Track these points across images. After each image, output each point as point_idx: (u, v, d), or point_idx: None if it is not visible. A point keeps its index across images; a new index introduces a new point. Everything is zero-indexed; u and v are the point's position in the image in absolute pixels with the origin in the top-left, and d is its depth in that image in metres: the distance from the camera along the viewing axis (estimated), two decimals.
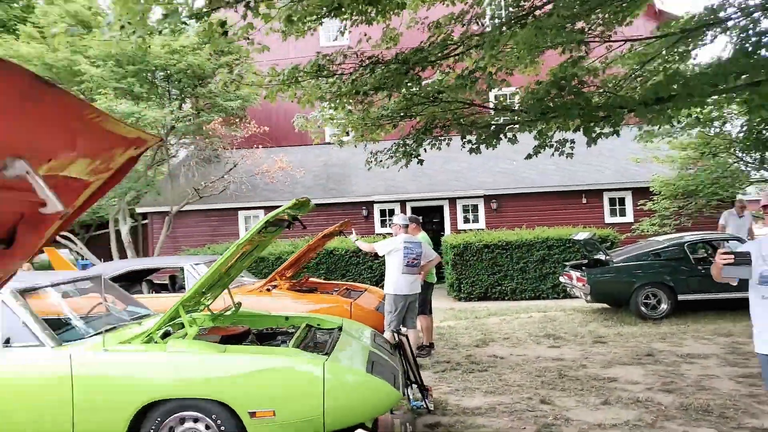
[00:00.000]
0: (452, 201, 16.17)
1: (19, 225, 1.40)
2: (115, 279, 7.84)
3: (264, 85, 6.08)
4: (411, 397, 5.15)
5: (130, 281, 8.18)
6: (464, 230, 14.98)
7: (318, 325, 5.15)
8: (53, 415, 3.51)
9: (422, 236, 7.61)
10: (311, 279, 9.00)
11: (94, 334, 3.83)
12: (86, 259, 15.43)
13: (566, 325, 8.97)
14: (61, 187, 1.26)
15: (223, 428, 3.58)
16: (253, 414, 3.54)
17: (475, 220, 16.19)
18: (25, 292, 3.90)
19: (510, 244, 12.29)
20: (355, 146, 8.34)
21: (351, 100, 6.47)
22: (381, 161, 7.81)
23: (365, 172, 16.44)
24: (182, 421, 3.64)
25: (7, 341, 3.68)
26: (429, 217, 17.33)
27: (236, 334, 4.39)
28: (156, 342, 3.77)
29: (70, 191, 1.49)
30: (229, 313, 5.10)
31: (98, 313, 4.53)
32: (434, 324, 9.43)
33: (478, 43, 6.52)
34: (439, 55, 6.66)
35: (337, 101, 6.38)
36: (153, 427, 3.59)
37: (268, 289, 7.45)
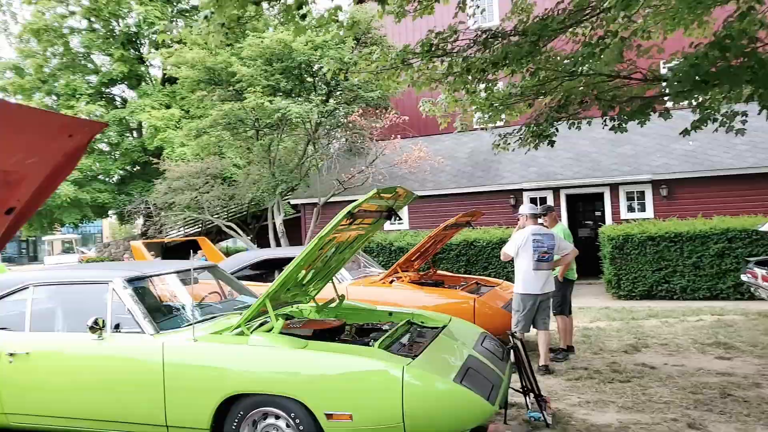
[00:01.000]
0: (614, 187, 14.66)
1: None
2: (252, 267, 8.25)
3: (374, 71, 5.85)
4: (529, 406, 4.60)
5: (268, 269, 8.52)
6: (628, 220, 13.49)
7: (422, 322, 4.81)
8: (149, 399, 3.64)
9: (559, 228, 6.87)
10: (439, 272, 8.66)
11: (189, 325, 3.91)
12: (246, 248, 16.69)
13: (744, 333, 7.56)
14: None
15: (301, 428, 3.42)
16: (329, 416, 3.34)
17: (642, 209, 14.50)
18: (134, 281, 4.12)
19: (680, 236, 10.77)
20: (485, 129, 7.81)
21: (469, 80, 5.97)
22: (509, 144, 7.19)
23: (516, 159, 15.64)
24: (265, 416, 3.56)
25: (117, 326, 3.90)
26: (587, 207, 15.97)
27: (330, 328, 4.22)
28: (244, 334, 3.73)
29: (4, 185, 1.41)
30: (333, 305, 4.98)
31: (207, 303, 4.66)
32: (580, 325, 8.56)
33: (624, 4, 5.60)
34: (573, 22, 5.88)
35: (453, 82, 5.93)
36: (236, 420, 3.56)
37: (391, 281, 7.26)
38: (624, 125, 6.36)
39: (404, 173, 15.85)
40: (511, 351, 4.62)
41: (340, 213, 3.63)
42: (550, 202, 14.95)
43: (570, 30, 5.67)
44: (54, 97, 23.76)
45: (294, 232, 17.83)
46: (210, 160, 17.57)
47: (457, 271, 12.45)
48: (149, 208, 18.81)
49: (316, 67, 13.40)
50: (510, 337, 4.67)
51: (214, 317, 4.26)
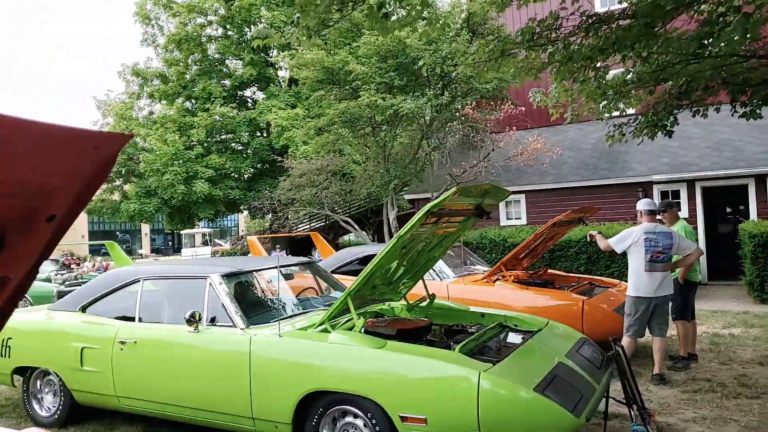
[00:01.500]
0: (760, 179, 13.07)
1: (7, 230, 1.44)
2: (359, 262, 8.39)
3: (472, 63, 5.65)
4: (633, 419, 4.24)
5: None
6: None
7: (515, 325, 4.60)
8: (238, 390, 3.83)
9: (680, 225, 6.24)
10: (550, 271, 8.24)
11: (276, 320, 4.05)
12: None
13: None
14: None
15: (378, 428, 3.41)
16: (404, 418, 3.29)
17: None
18: (231, 276, 4.35)
19: None
20: (601, 119, 7.29)
21: (575, 68, 5.58)
22: (624, 135, 6.64)
23: (645, 149, 14.46)
24: (344, 414, 3.60)
25: (213, 320, 4.15)
26: (728, 202, 14.40)
27: (415, 328, 4.17)
28: (327, 332, 3.80)
29: (42, 195, 1.52)
30: (423, 304, 4.92)
31: (302, 298, 4.81)
32: (710, 331, 7.74)
33: None
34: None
35: (558, 71, 5.57)
36: (317, 417, 3.63)
37: (495, 280, 7.04)
38: (758, 111, 5.61)
39: (521, 166, 15.31)
40: (613, 359, 4.28)
41: (420, 211, 3.56)
42: (683, 195, 13.68)
43: (689, 8, 5.08)
44: (193, 101, 25.93)
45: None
46: (330, 158, 18.20)
47: (576, 270, 11.80)
48: (274, 204, 19.90)
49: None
50: (612, 343, 4.32)
51: (306, 313, 4.38)
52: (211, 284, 4.26)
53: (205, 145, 25.00)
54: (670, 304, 6.02)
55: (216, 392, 3.94)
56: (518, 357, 3.64)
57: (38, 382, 4.91)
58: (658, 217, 6.23)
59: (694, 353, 6.24)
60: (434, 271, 7.43)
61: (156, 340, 4.24)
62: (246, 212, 29.54)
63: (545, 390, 3.22)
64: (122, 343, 4.34)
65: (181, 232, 25.61)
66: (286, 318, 4.23)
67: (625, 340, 5.75)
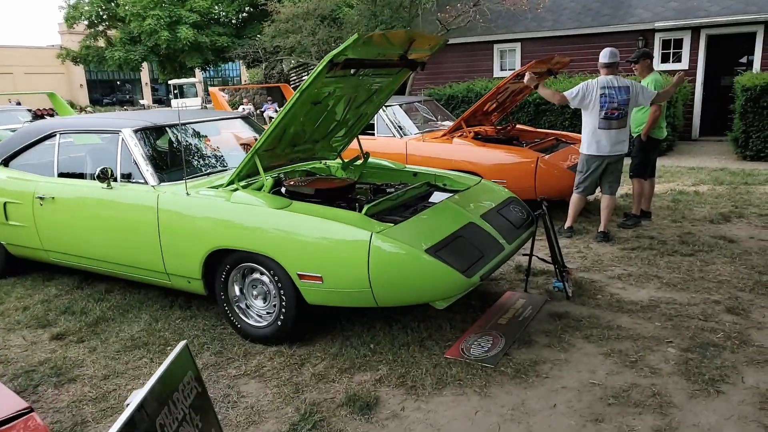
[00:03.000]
0: None
1: None
2: None
3: None
4: (556, 276, 4.28)
5: None
6: None
7: (443, 184, 4.48)
8: (149, 247, 3.83)
9: (651, 78, 5.83)
10: (519, 126, 7.95)
11: (189, 178, 3.94)
12: None
13: None
14: None
15: (280, 284, 3.44)
16: (302, 276, 3.30)
17: None
18: (145, 131, 4.16)
19: None
20: None
21: None
22: None
23: None
24: (252, 270, 3.62)
25: (129, 176, 4.04)
26: (732, 53, 13.50)
27: (335, 187, 4.06)
28: (236, 190, 3.69)
29: None
30: (358, 163, 4.77)
31: (230, 155, 4.65)
32: (677, 188, 7.64)
33: None
34: None
35: None
36: (225, 272, 3.66)
37: (455, 137, 6.81)
38: None
39: (516, 10, 14.24)
40: (538, 218, 4.21)
41: (321, 62, 3.26)
42: (686, 45, 12.84)
43: None
44: None
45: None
46: (318, 1, 16.95)
47: (560, 125, 11.46)
48: (257, 52, 19.01)
49: None
50: (541, 202, 4.22)
51: (227, 171, 4.25)
52: (123, 139, 4.09)
53: None
54: (628, 161, 5.85)
55: (131, 249, 3.95)
56: (424, 218, 3.55)
57: None
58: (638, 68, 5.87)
59: (648, 211, 6.18)
60: (395, 126, 7.20)
61: (72, 196, 4.17)
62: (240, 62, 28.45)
63: (439, 251, 3.17)
64: (41, 198, 4.29)
65: (169, 81, 24.89)
66: (202, 176, 4.11)
67: (574, 197, 5.69)
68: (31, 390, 3.14)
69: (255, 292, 3.67)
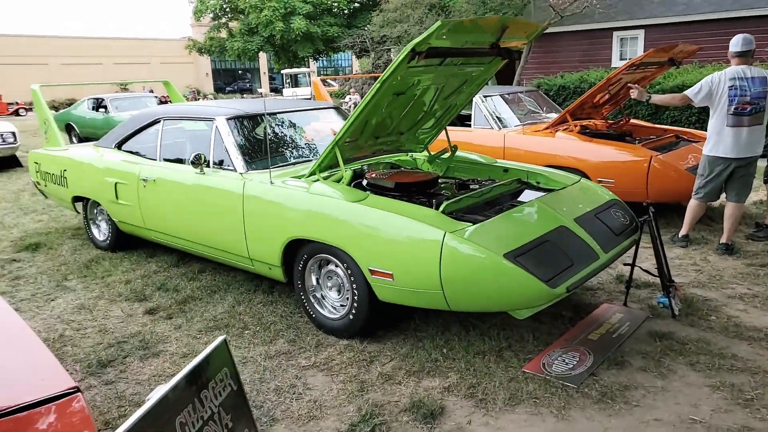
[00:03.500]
0: None
1: None
2: None
3: None
4: (662, 292, 3.87)
5: None
6: None
7: (538, 182, 4.19)
8: (234, 231, 3.91)
9: None
10: (634, 121, 7.33)
11: (277, 167, 3.98)
12: None
13: None
14: None
15: (353, 278, 3.38)
16: (373, 272, 3.21)
17: None
18: (237, 119, 4.26)
19: None
20: None
21: None
22: None
23: None
24: (328, 261, 3.59)
25: (221, 163, 4.17)
26: None
27: (417, 181, 3.92)
28: (317, 181, 3.68)
29: None
30: (445, 156, 4.60)
31: (321, 144, 4.65)
32: None
33: None
34: None
35: None
36: (302, 262, 3.66)
37: (557, 131, 6.40)
38: None
39: None
40: (643, 225, 3.82)
41: (402, 52, 3.13)
42: None
43: None
44: None
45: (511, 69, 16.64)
46: None
47: (686, 121, 10.48)
48: (365, 42, 19.18)
49: None
50: (647, 207, 3.81)
51: (314, 161, 4.25)
52: (217, 127, 4.21)
53: None
54: (763, 163, 5.18)
55: (219, 232, 4.07)
56: (508, 218, 3.32)
57: (95, 210, 5.39)
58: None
59: None
60: (493, 118, 6.91)
61: (171, 179, 4.37)
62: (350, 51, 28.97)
63: (520, 256, 2.94)
64: (145, 180, 4.54)
65: (282, 71, 25.86)
66: (289, 165, 4.13)
67: (692, 203, 5.13)
68: (120, 360, 3.33)
69: (330, 284, 3.64)
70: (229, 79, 57.20)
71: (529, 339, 3.45)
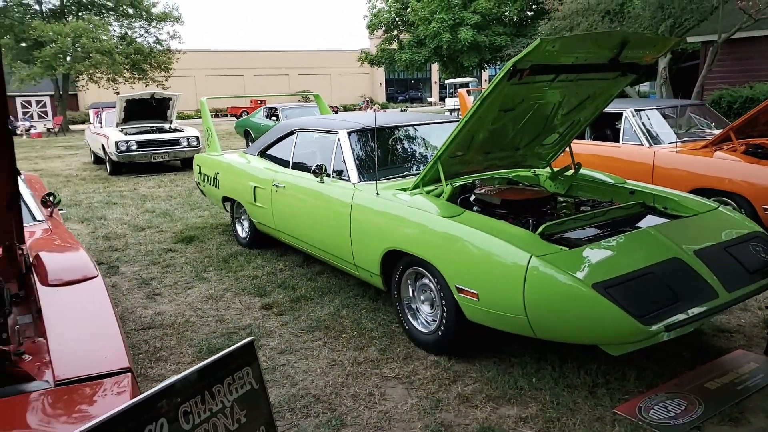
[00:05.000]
0: None
1: None
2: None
3: None
4: None
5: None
6: None
7: (665, 207, 3.80)
8: (343, 237, 4.09)
9: None
10: None
11: (387, 178, 4.11)
12: None
13: None
14: None
15: (442, 294, 3.36)
16: (460, 290, 3.17)
17: None
18: (357, 132, 4.47)
19: None
20: None
21: None
22: None
23: None
24: (422, 275, 3.61)
25: (340, 173, 4.41)
26: None
27: (526, 199, 3.78)
28: (419, 194, 3.73)
29: None
30: (568, 173, 4.36)
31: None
32: None
33: None
34: None
35: None
36: (399, 273, 3.73)
37: (718, 149, 5.70)
38: None
39: None
40: None
41: (502, 69, 3.07)
42: None
43: None
44: None
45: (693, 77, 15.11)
46: None
47: None
48: None
49: None
50: None
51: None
52: (339, 139, 4.46)
53: None
54: None
55: (332, 238, 4.29)
56: (611, 244, 3.07)
57: (240, 210, 5.99)
58: None
59: None
60: (643, 133, 6.36)
61: (297, 186, 4.72)
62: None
63: (611, 287, 2.70)
64: (276, 186, 4.95)
65: (445, 81, 26.10)
66: (400, 177, 4.22)
67: None
68: (225, 349, 3.68)
69: (423, 297, 3.66)
70: (402, 89, 59.33)
71: (632, 378, 3.14)
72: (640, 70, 3.64)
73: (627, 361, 3.28)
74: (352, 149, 4.37)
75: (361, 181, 4.16)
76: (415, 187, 3.79)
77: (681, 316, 2.73)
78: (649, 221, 3.58)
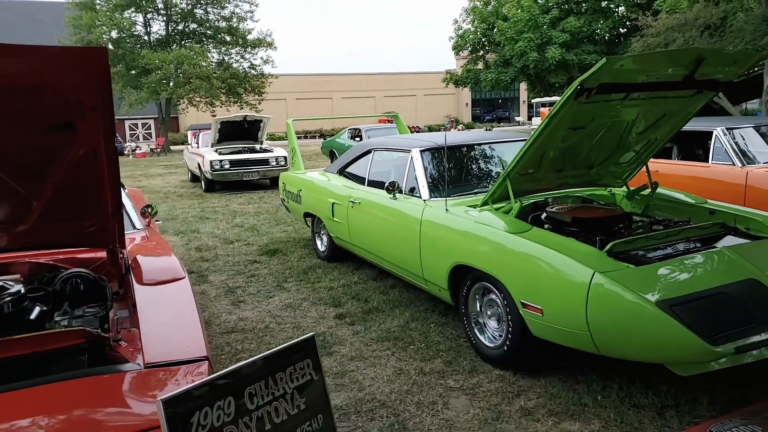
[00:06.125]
0: None
1: (71, 118, 2.26)
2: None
3: None
4: None
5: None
6: None
7: (747, 228, 3.66)
8: (413, 252, 4.23)
9: None
10: None
11: (456, 195, 4.22)
12: None
13: None
14: None
15: (508, 309, 3.42)
16: (525, 305, 3.22)
17: None
18: (430, 151, 4.62)
19: None
20: None
21: None
22: None
23: None
24: (489, 291, 3.68)
25: (413, 190, 4.57)
26: None
27: (598, 217, 3.76)
28: (491, 210, 3.81)
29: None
30: (645, 192, 4.28)
31: None
32: None
33: None
34: None
35: None
36: (466, 288, 3.81)
37: None
38: None
39: None
40: None
41: (569, 88, 3.11)
42: None
43: None
44: None
45: None
46: (702, 7, 15.07)
47: None
48: None
49: None
50: None
51: None
52: (412, 157, 4.63)
53: (564, 7, 23.81)
54: None
55: (403, 252, 4.44)
56: (682, 263, 3.00)
57: (320, 225, 6.27)
58: None
59: None
60: (735, 152, 6.07)
61: (372, 202, 4.93)
62: None
63: (677, 305, 2.65)
64: (352, 202, 5.19)
65: (532, 100, 25.73)
66: (470, 194, 4.31)
67: None
68: None
69: (489, 312, 3.72)
70: (489, 108, 59.04)
71: (704, 402, 3.04)
72: (719, 87, 3.56)
73: (700, 384, 3.18)
74: (424, 167, 4.53)
75: (432, 197, 4.30)
76: (484, 203, 3.88)
77: (754, 338, 2.64)
78: (728, 242, 3.46)
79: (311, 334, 1.93)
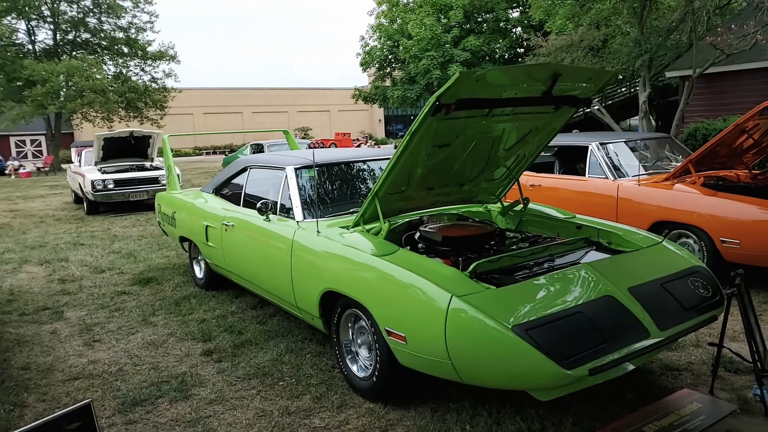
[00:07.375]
0: None
1: None
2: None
3: None
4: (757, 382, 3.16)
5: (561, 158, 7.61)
6: None
7: (609, 242, 3.70)
8: (284, 277, 3.96)
9: None
10: None
11: (330, 216, 4.01)
12: None
13: None
14: None
15: (375, 337, 3.21)
16: (389, 332, 3.04)
17: None
18: (305, 169, 4.39)
19: None
20: None
21: None
22: None
23: None
24: (359, 318, 3.48)
25: (288, 210, 4.29)
26: None
27: (469, 235, 3.68)
28: (362, 232, 3.62)
29: None
30: (517, 208, 4.27)
31: None
32: None
33: None
34: None
35: None
36: (337, 315, 3.59)
37: (678, 182, 5.63)
38: None
39: None
40: (730, 298, 3.15)
41: (426, 104, 2.99)
42: None
43: None
44: None
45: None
46: (584, 30, 16.01)
47: None
48: None
49: None
50: (734, 277, 3.15)
51: None
52: (286, 176, 4.37)
53: (465, 26, 24.54)
54: None
55: (275, 278, 4.16)
56: (541, 283, 2.94)
57: (197, 250, 5.84)
58: None
59: None
60: (608, 166, 6.30)
61: (245, 224, 4.61)
62: None
63: (533, 329, 2.56)
64: (225, 225, 4.85)
65: None
66: (347, 214, 4.11)
67: None
68: (151, 400, 3.46)
69: (360, 340, 3.52)
70: (401, 124, 59.93)
71: (568, 424, 2.98)
72: (579, 103, 3.58)
73: (566, 405, 3.13)
74: (299, 186, 4.29)
75: (305, 218, 4.06)
76: (356, 224, 3.69)
77: (608, 358, 2.59)
78: (591, 257, 3.47)
79: (88, 401, 1.63)
